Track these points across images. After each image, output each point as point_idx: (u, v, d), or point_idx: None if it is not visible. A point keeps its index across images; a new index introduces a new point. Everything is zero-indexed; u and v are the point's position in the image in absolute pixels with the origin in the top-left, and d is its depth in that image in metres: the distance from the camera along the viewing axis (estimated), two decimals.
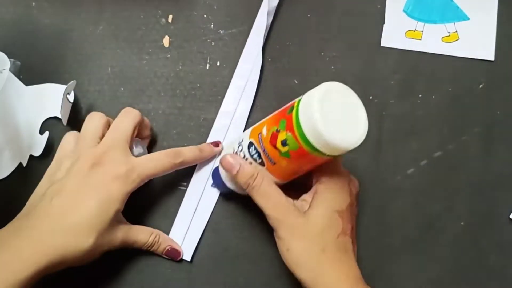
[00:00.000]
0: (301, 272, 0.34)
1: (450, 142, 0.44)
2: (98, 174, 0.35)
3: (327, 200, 0.34)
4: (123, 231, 0.36)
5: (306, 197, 0.36)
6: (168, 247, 0.40)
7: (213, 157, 0.41)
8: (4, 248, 0.32)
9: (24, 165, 0.42)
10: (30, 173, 0.42)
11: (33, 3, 0.44)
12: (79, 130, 0.43)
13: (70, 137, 0.39)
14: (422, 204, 0.43)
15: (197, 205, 0.41)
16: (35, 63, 0.43)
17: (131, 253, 0.41)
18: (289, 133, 0.31)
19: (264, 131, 0.34)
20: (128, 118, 0.38)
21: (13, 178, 0.42)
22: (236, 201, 0.43)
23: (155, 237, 0.39)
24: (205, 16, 0.45)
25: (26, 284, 0.31)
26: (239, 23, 0.45)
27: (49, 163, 0.42)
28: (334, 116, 0.30)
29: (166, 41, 0.44)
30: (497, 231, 0.43)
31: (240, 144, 0.36)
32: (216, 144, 0.42)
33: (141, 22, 0.44)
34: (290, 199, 0.35)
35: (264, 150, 0.34)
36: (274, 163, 0.34)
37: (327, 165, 0.35)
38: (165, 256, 0.40)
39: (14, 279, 0.30)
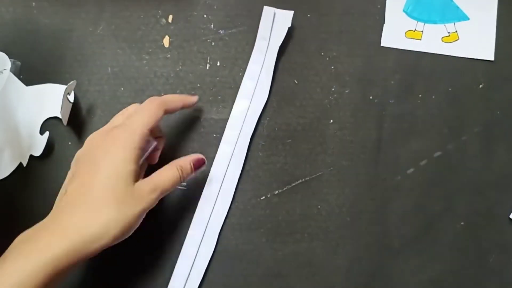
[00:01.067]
0: None
1: (450, 142, 0.44)
2: (103, 150, 0.34)
3: None
4: (149, 187, 0.34)
5: None
6: (191, 163, 0.38)
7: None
8: (31, 245, 0.30)
9: (24, 165, 0.42)
10: (30, 173, 0.42)
11: (33, 3, 0.44)
12: (80, 130, 0.43)
13: None
14: (422, 204, 0.43)
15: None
16: (35, 63, 0.43)
17: (130, 254, 0.41)
18: None
19: None
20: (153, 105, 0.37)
21: (13, 178, 0.42)
22: (236, 201, 0.43)
23: (180, 167, 0.37)
24: (205, 16, 0.45)
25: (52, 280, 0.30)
26: (239, 23, 0.45)
27: (49, 164, 0.42)
28: None
29: (166, 41, 0.44)
30: (497, 231, 0.43)
31: None
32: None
33: (141, 22, 0.44)
34: None
35: None
36: None
37: None
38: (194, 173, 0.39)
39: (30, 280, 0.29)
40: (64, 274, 0.31)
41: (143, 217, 0.34)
